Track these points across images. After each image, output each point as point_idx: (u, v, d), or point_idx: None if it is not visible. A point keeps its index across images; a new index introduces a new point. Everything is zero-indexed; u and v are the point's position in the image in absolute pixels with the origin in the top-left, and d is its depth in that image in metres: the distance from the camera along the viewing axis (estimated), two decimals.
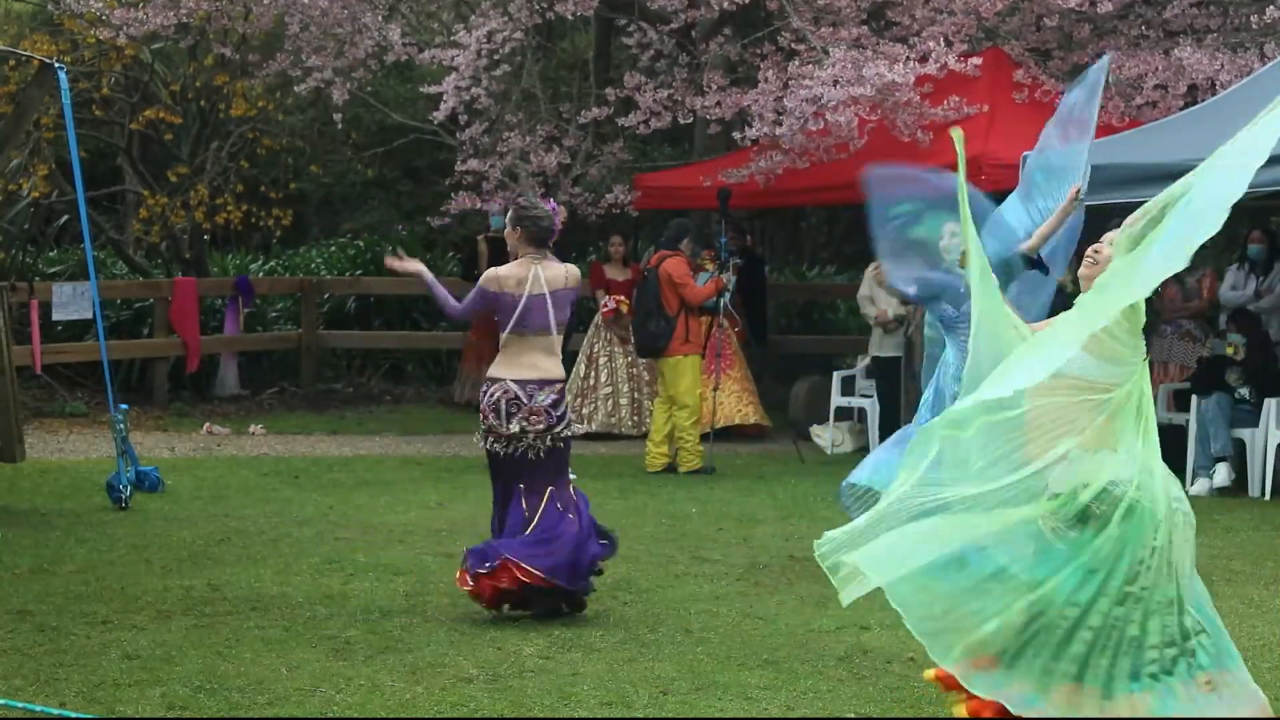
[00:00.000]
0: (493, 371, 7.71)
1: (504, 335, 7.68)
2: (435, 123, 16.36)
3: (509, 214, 7.87)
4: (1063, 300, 6.85)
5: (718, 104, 14.80)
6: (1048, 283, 8.42)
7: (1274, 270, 12.66)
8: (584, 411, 14.72)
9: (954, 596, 5.09)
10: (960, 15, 14.25)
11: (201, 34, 16.53)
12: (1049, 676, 5.07)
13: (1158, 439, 5.39)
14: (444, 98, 15.20)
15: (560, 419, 7.65)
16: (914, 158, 13.88)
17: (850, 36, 14.08)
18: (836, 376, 14.56)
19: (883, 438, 13.84)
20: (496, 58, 15.45)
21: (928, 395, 8.44)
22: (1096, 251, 5.57)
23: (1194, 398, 12.03)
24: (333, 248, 20.10)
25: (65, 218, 18.41)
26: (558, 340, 7.74)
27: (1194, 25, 14.49)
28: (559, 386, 7.70)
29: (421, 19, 18.78)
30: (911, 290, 8.66)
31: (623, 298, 14.28)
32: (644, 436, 13.50)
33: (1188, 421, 12.07)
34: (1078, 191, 8.19)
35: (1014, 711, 5.08)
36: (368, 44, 15.68)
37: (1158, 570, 5.14)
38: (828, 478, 12.31)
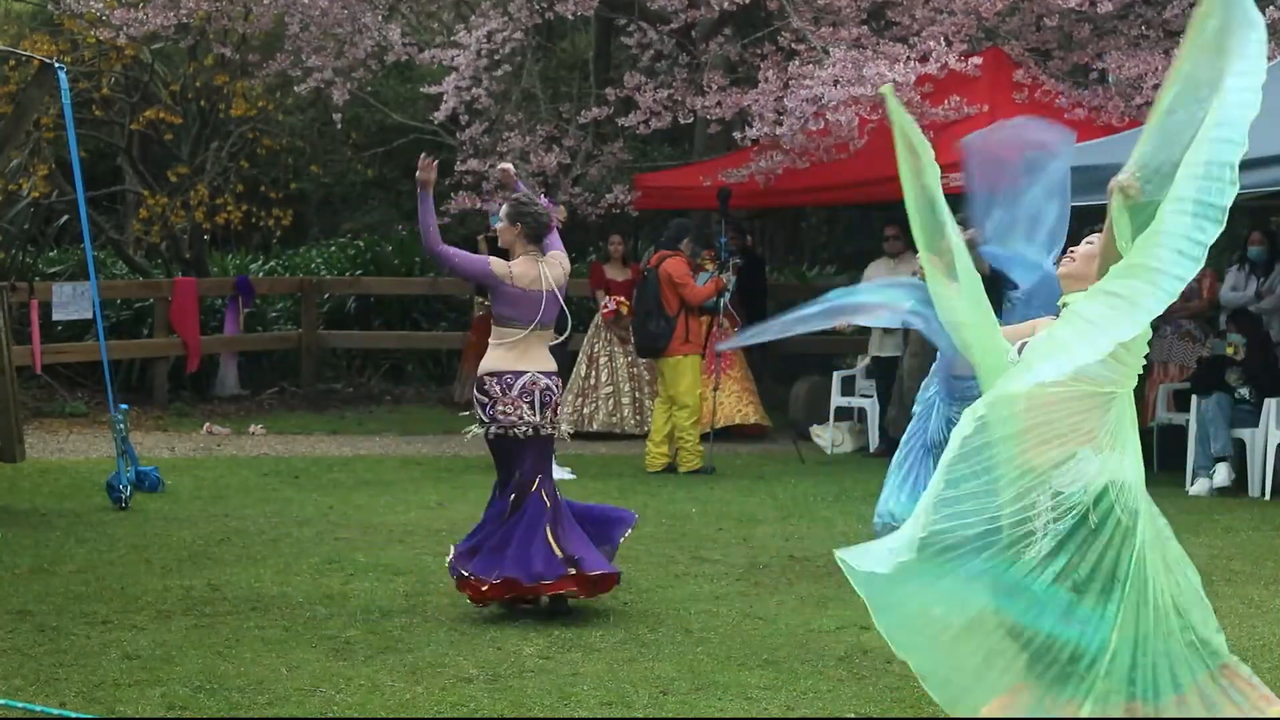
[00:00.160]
0: (516, 364, 7.75)
1: (524, 332, 7.74)
2: (435, 123, 16.37)
3: (504, 209, 7.89)
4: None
5: (718, 104, 14.80)
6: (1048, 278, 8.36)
7: (1275, 271, 12.65)
8: (585, 412, 14.72)
9: (973, 668, 5.10)
10: (960, 15, 14.25)
11: (201, 34, 16.53)
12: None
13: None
14: (444, 98, 15.21)
15: (558, 408, 7.96)
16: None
17: (850, 36, 14.08)
18: (836, 376, 14.57)
19: (883, 437, 13.88)
20: (496, 58, 15.45)
21: (926, 399, 8.43)
22: (1074, 251, 5.57)
23: (1194, 398, 12.03)
24: (333, 248, 20.11)
25: (65, 218, 18.43)
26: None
27: None
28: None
29: (421, 19, 18.79)
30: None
31: (622, 298, 14.27)
32: (646, 436, 13.50)
33: (1188, 421, 12.07)
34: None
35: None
36: (368, 44, 15.69)
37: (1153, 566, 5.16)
38: (828, 478, 12.33)
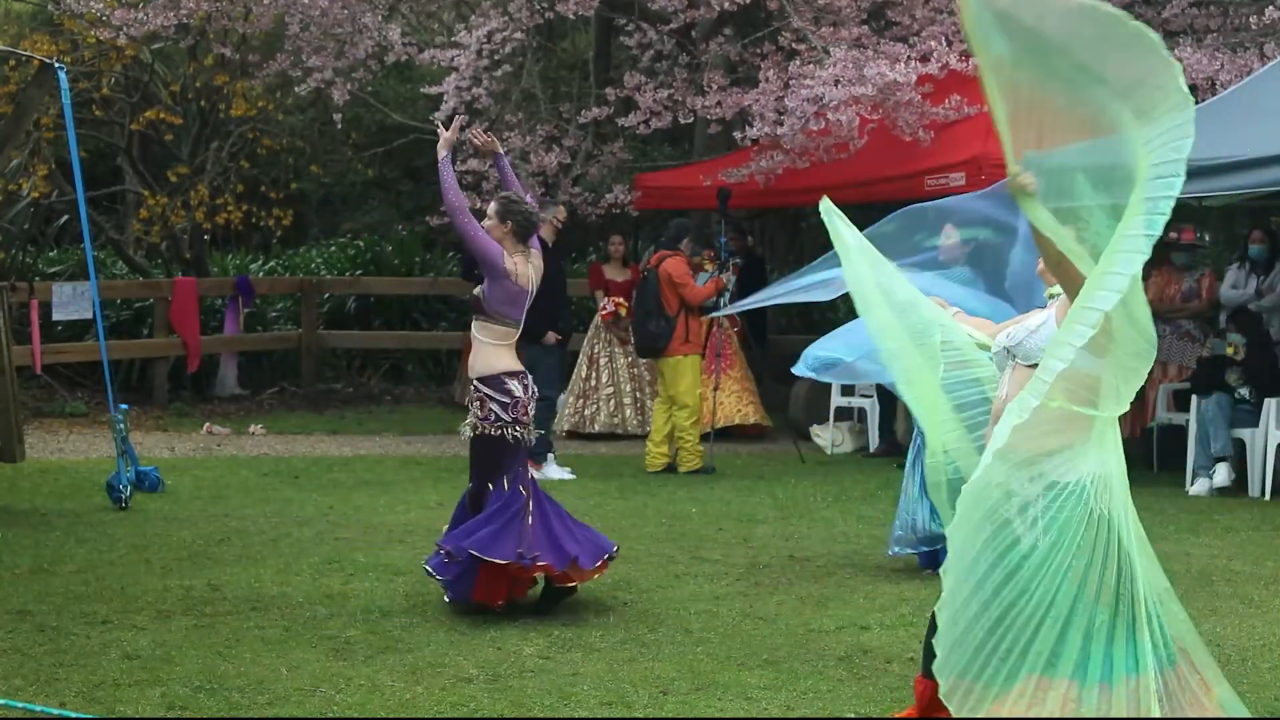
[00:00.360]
0: (515, 365, 7.80)
1: (516, 329, 7.78)
2: (436, 123, 16.35)
3: (493, 206, 7.86)
4: None
5: (718, 104, 14.80)
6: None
7: (1275, 270, 12.65)
8: (586, 413, 14.72)
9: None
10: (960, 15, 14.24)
11: (201, 34, 16.53)
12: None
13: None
14: (444, 98, 15.21)
15: None
16: (915, 157, 13.90)
17: (851, 36, 14.09)
18: None
19: (883, 437, 13.88)
20: (497, 58, 15.45)
21: None
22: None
23: (1194, 398, 12.03)
24: (333, 248, 20.12)
25: (65, 218, 18.43)
26: None
27: (1194, 25, 14.49)
28: None
29: (421, 19, 18.79)
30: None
31: (621, 300, 14.27)
32: (647, 436, 13.50)
33: (1188, 421, 12.07)
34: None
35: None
36: (368, 44, 15.68)
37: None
38: (828, 478, 12.33)
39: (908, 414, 12.89)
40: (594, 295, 14.94)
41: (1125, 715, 5.09)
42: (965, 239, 8.14)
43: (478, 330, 7.81)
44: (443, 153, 7.93)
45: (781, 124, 13.75)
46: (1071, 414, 5.08)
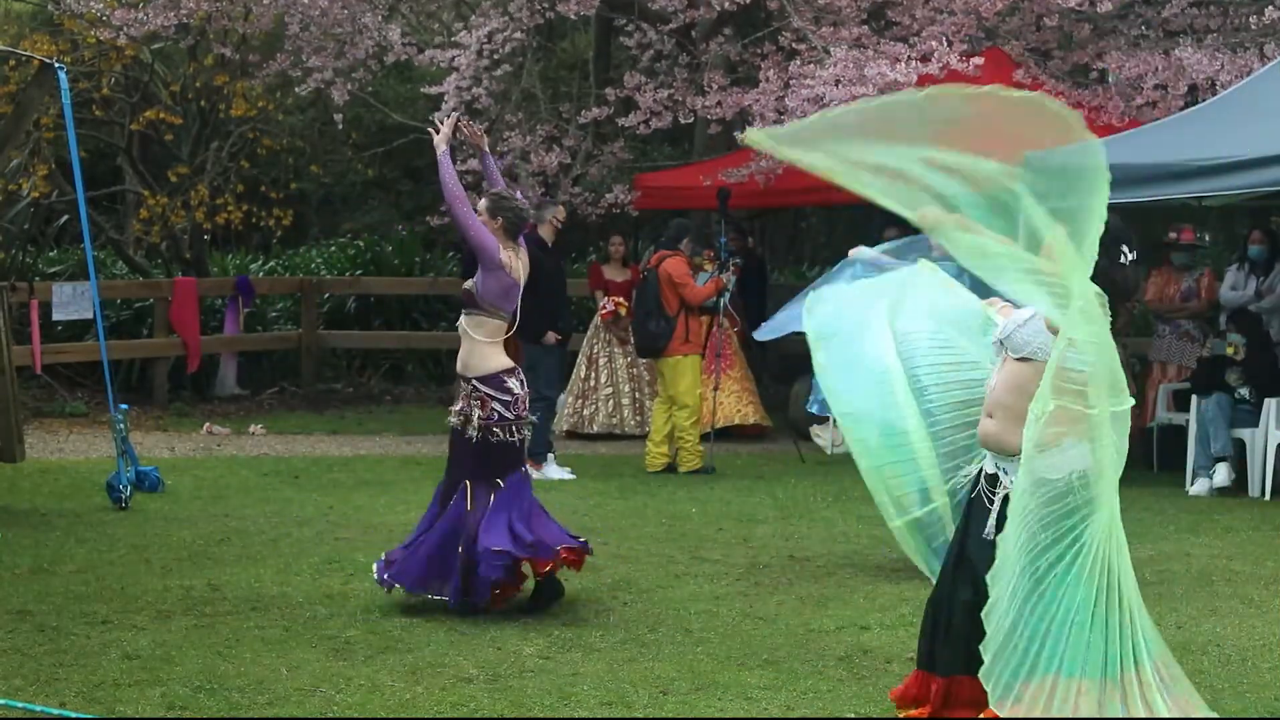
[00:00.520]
0: (509, 361, 7.82)
1: (503, 321, 7.75)
2: (435, 122, 16.34)
3: (483, 203, 7.84)
4: None
5: (718, 104, 14.80)
6: None
7: (1274, 270, 12.65)
8: (584, 413, 14.72)
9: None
10: (960, 15, 14.25)
11: (201, 34, 16.53)
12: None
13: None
14: (445, 98, 15.20)
15: None
16: None
17: (851, 36, 14.09)
18: None
19: None
20: (497, 58, 15.45)
21: None
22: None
23: (1194, 398, 12.03)
24: (333, 248, 20.12)
25: (65, 218, 18.43)
26: None
27: (1194, 25, 14.50)
28: None
29: (421, 19, 18.79)
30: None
31: (621, 300, 14.27)
32: (646, 436, 13.50)
33: (1188, 421, 12.07)
34: None
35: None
36: (368, 44, 15.68)
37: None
38: (828, 478, 12.32)
39: None
40: (594, 295, 14.94)
41: (1140, 714, 5.12)
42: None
43: (470, 326, 7.74)
44: (441, 148, 7.93)
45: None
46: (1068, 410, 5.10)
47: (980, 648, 5.13)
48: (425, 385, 18.18)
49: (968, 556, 5.56)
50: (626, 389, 14.77)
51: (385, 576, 7.65)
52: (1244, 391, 11.90)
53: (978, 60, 13.80)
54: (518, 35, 15.40)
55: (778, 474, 12.65)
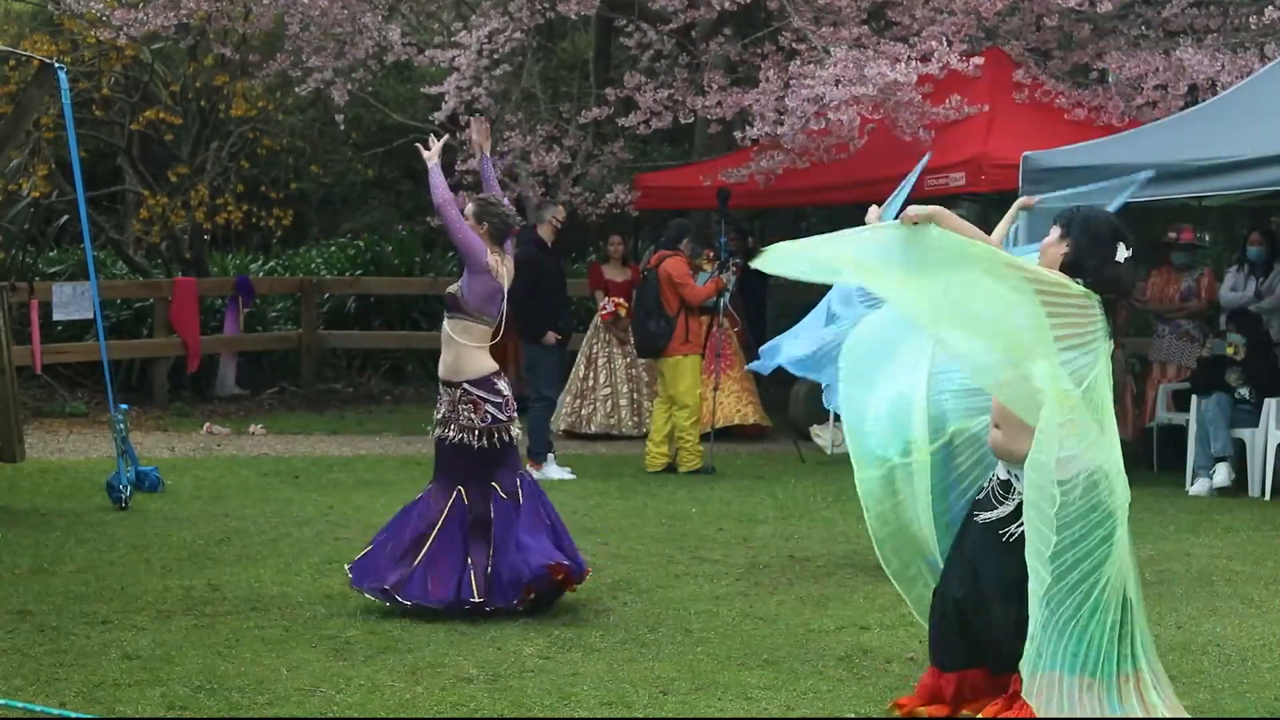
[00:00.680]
0: (494, 364, 7.83)
1: (488, 326, 7.75)
2: (436, 123, 16.36)
3: (470, 207, 7.85)
4: None
5: (718, 104, 14.80)
6: None
7: (1274, 271, 12.65)
8: (583, 413, 14.72)
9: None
10: (960, 15, 14.26)
11: (201, 34, 16.53)
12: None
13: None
14: (445, 98, 15.21)
15: None
16: (915, 157, 13.90)
17: (851, 36, 14.09)
18: None
19: None
20: (497, 58, 15.45)
21: None
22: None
23: (1194, 398, 12.03)
24: (333, 248, 20.12)
25: (65, 218, 18.43)
26: None
27: (1194, 25, 14.51)
28: None
29: (421, 19, 18.79)
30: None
31: (621, 300, 14.27)
32: (644, 437, 13.50)
33: (1187, 422, 12.07)
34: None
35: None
36: (368, 44, 15.69)
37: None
38: (828, 478, 12.32)
39: None
40: (594, 295, 14.94)
41: (1139, 714, 5.14)
42: None
43: (456, 331, 7.73)
44: (431, 163, 7.98)
45: (782, 124, 13.76)
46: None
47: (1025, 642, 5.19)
48: (425, 385, 18.16)
49: (965, 554, 5.56)
50: (625, 390, 14.77)
51: (363, 584, 7.68)
52: (1244, 391, 11.90)
53: (978, 60, 13.81)
54: (518, 35, 15.40)
55: (778, 474, 12.65)
